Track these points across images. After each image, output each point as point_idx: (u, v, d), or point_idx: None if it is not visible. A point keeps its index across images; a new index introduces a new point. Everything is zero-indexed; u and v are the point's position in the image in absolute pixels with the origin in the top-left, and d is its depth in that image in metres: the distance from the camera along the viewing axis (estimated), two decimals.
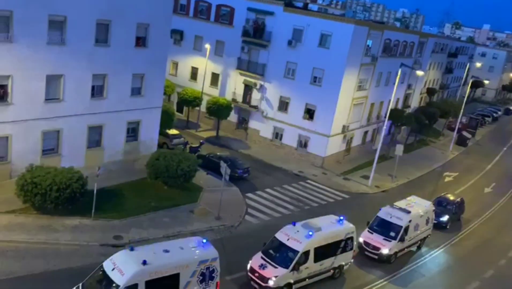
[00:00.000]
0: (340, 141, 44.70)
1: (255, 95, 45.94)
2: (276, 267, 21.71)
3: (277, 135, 45.33)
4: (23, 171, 24.52)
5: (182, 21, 48.63)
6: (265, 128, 45.86)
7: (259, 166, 39.96)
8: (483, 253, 31.53)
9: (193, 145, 39.22)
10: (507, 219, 38.87)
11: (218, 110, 44.68)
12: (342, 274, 24.78)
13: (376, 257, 26.83)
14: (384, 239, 27.06)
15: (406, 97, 59.81)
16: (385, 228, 27.56)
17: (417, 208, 29.18)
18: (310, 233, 22.60)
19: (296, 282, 22.14)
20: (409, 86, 58.62)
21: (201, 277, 18.93)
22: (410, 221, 27.66)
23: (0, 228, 22.76)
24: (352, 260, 25.20)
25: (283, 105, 44.49)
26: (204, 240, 19.93)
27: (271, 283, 21.27)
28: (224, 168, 28.27)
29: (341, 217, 25.12)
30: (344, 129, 44.14)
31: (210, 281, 19.28)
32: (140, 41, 31.20)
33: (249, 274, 22.13)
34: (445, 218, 33.76)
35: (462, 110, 60.90)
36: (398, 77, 39.97)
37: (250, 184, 35.43)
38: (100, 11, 27.98)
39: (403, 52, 51.45)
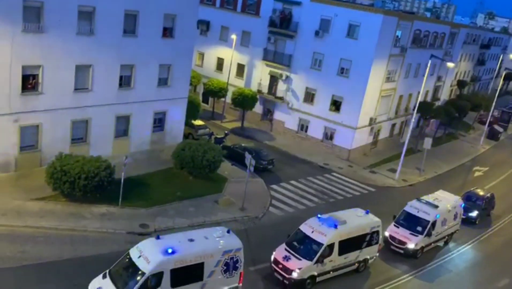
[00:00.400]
0: (367, 133, 44.10)
1: (281, 86, 45.68)
2: (300, 259, 21.65)
3: (303, 126, 45.04)
4: (53, 159, 25.08)
5: (208, 12, 48.65)
6: (291, 119, 45.62)
7: (284, 158, 39.83)
8: None
9: (218, 136, 39.36)
10: None
11: (244, 101, 44.65)
12: (367, 268, 24.54)
13: (401, 251, 26.47)
14: (410, 233, 26.64)
15: (436, 90, 58.47)
16: (411, 223, 27.13)
17: (445, 202, 28.59)
18: (335, 226, 22.42)
19: (320, 274, 22.05)
20: (439, 78, 57.26)
21: (225, 267, 19.03)
22: (437, 216, 27.13)
23: (31, 214, 23.39)
24: (377, 254, 24.92)
25: (309, 97, 44.12)
26: (229, 231, 20.02)
27: (294, 275, 21.24)
28: (248, 159, 28.28)
29: (367, 211, 24.84)
30: (371, 121, 43.50)
31: (234, 271, 19.36)
32: (167, 32, 31.34)
33: (273, 265, 22.15)
34: (474, 213, 33.03)
35: (494, 103, 59.19)
36: (427, 68, 39.16)
37: (275, 176, 35.37)
38: (128, 2, 28.22)
39: (433, 43, 50.21)
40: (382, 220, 24.95)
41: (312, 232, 22.44)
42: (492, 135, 60.02)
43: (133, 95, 30.42)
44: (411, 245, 26.24)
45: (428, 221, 26.78)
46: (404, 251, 26.40)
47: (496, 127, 61.92)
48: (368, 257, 24.28)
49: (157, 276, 17.23)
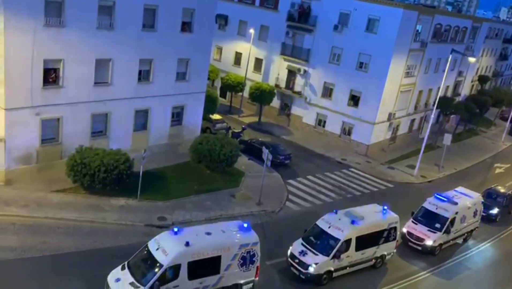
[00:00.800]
0: (386, 129, 43.66)
1: (299, 81, 45.51)
2: (316, 254, 21.65)
3: (320, 121, 44.82)
4: (73, 152, 25.50)
5: (227, 6, 48.63)
6: (308, 114, 45.44)
7: (301, 153, 39.74)
8: None
9: (236, 130, 39.46)
10: None
11: (261, 95, 44.62)
12: (384, 264, 24.40)
13: (419, 248, 26.24)
14: (428, 230, 26.38)
15: (456, 85, 57.49)
16: (430, 219, 26.85)
17: (464, 199, 28.21)
18: (352, 221, 22.33)
19: (336, 270, 22.01)
20: (459, 73, 56.27)
21: (241, 261, 19.14)
22: (456, 212, 26.80)
23: (52, 206, 23.86)
24: (395, 250, 24.74)
25: (327, 91, 43.86)
26: (245, 225, 20.09)
27: (311, 269, 21.25)
28: (266, 154, 28.29)
29: (385, 207, 24.67)
30: (390, 116, 43.05)
31: (250, 265, 19.47)
32: (186, 26, 31.43)
33: (289, 260, 22.19)
34: (494, 210, 32.52)
35: None
36: (448, 63, 38.52)
37: (292, 171, 35.32)
38: None
39: (454, 38, 49.33)
40: (400, 217, 24.74)
41: (329, 227, 22.39)
42: None
43: (151, 89, 30.64)
44: (429, 242, 25.99)
45: (447, 218, 26.47)
46: (422, 248, 26.16)
47: None
48: (386, 253, 24.13)
49: (175, 268, 17.45)
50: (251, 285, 19.93)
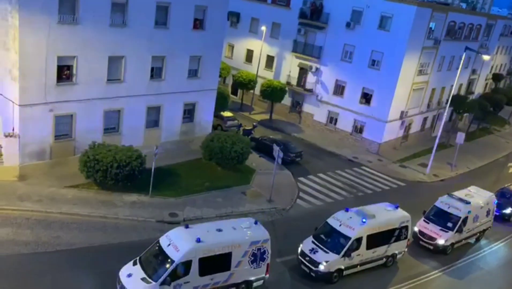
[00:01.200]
0: (398, 127, 43.37)
1: (310, 78, 45.38)
2: (327, 252, 21.63)
3: (332, 119, 44.67)
4: (86, 148, 25.76)
5: (239, 3, 48.56)
6: (319, 112, 45.31)
7: (312, 151, 39.66)
8: None
9: (247, 128, 39.51)
10: None
11: (272, 93, 44.59)
12: (395, 263, 24.29)
13: (431, 247, 26.08)
14: (440, 229, 26.19)
15: (470, 83, 56.86)
16: (442, 218, 26.67)
17: (477, 198, 27.94)
18: (364, 220, 22.27)
19: (347, 268, 21.97)
20: (473, 71, 55.63)
21: (252, 258, 19.21)
22: (469, 212, 26.55)
23: (65, 201, 24.14)
24: (406, 249, 24.61)
25: (339, 89, 43.68)
26: (256, 222, 20.15)
27: (321, 267, 21.24)
28: (276, 151, 28.29)
29: (396, 205, 24.55)
30: (402, 115, 42.75)
31: (261, 262, 19.53)
32: (198, 24, 31.50)
33: (300, 257, 22.20)
34: (508, 210, 32.18)
35: None
36: (462, 61, 38.15)
37: (303, 168, 35.27)
38: None
39: (468, 35, 48.76)
40: (411, 215, 24.59)
41: (340, 225, 22.35)
42: None
43: (164, 86, 30.79)
44: (441, 241, 25.82)
45: (459, 217, 26.26)
46: (434, 247, 26.00)
47: None
48: (397, 252, 24.01)
49: (186, 264, 17.57)
50: (261, 282, 20.01)
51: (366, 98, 42.07)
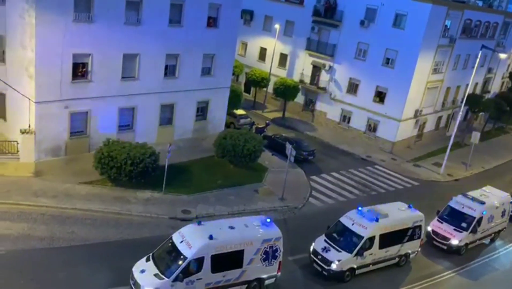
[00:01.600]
0: (412, 126, 43.02)
1: (324, 77, 45.22)
2: (339, 251, 21.58)
3: (345, 118, 44.47)
4: (101, 145, 26.03)
5: (252, 1, 48.51)
6: (333, 110, 45.13)
7: (325, 149, 39.55)
8: None
9: (259, 126, 39.53)
10: None
11: (285, 91, 44.54)
12: (408, 262, 24.15)
13: (445, 247, 25.86)
14: (454, 229, 25.95)
15: (486, 82, 56.08)
16: (456, 218, 26.42)
17: (492, 199, 27.60)
18: (377, 219, 22.15)
19: (359, 267, 21.90)
20: (489, 70, 54.84)
21: (264, 256, 19.24)
22: (484, 212, 26.24)
23: (80, 197, 24.44)
24: (419, 249, 24.45)
25: (353, 87, 43.46)
26: (268, 220, 20.19)
27: (333, 266, 21.20)
28: (289, 149, 28.28)
29: (410, 205, 24.38)
30: (417, 113, 42.40)
31: (273, 260, 19.55)
32: (212, 22, 31.58)
33: (312, 256, 22.18)
34: None
35: None
36: (478, 60, 37.61)
37: (315, 167, 35.20)
38: None
39: (484, 34, 48.10)
40: (425, 215, 24.42)
41: (353, 224, 22.27)
42: None
43: (177, 84, 30.93)
44: (455, 241, 25.58)
45: (474, 217, 25.99)
46: (448, 247, 25.77)
47: None
48: (410, 251, 23.87)
49: (198, 261, 17.68)
50: (273, 280, 20.03)
51: (380, 96, 41.81)
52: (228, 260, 18.40)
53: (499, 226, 28.12)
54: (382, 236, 22.20)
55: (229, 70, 34.42)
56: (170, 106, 31.26)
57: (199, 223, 19.04)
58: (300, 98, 46.89)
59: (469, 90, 41.84)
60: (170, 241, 18.67)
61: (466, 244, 26.07)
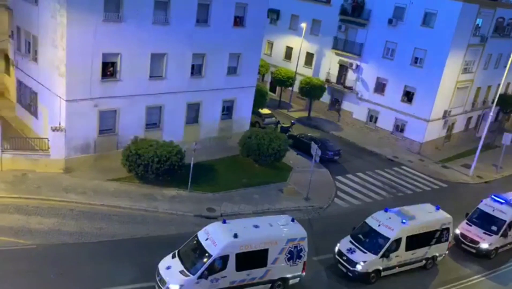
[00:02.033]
0: (440, 126, 42.20)
1: (350, 76, 44.81)
2: (365, 253, 21.36)
3: (372, 117, 43.97)
4: (129, 143, 26.48)
5: (279, 0, 48.36)
6: (359, 110, 44.68)
7: (351, 149, 39.20)
8: None
9: (285, 125, 39.46)
10: None
11: (311, 90, 44.31)
12: (435, 265, 23.72)
13: (473, 251, 25.27)
14: (484, 232, 25.34)
15: None
16: (486, 221, 25.80)
17: None
18: (403, 220, 21.84)
19: (385, 269, 21.63)
20: None
21: (289, 255, 19.21)
22: None
23: (108, 194, 24.91)
24: (447, 252, 23.99)
25: (380, 87, 42.93)
26: (293, 219, 20.16)
27: (359, 267, 21.00)
28: (314, 149, 28.13)
29: (438, 207, 23.93)
30: (446, 114, 41.56)
31: (297, 260, 19.49)
32: (238, 21, 31.68)
33: (337, 256, 22.02)
34: None
35: None
36: (510, 59, 36.55)
37: (341, 167, 34.92)
38: None
39: None
40: (453, 217, 23.92)
41: (379, 225, 22.01)
42: None
43: (203, 83, 31.18)
44: (484, 245, 24.98)
45: (504, 221, 25.32)
46: (477, 250, 25.19)
47: None
48: (437, 254, 23.45)
49: (223, 259, 17.78)
50: (298, 279, 19.98)
51: (408, 96, 41.18)
52: (252, 259, 18.44)
53: None
54: (409, 238, 21.87)
55: (254, 69, 34.48)
56: (196, 105, 31.53)
57: (224, 222, 19.15)
58: (326, 98, 46.58)
59: (500, 90, 40.80)
60: (196, 238, 18.83)
61: (496, 248, 25.42)
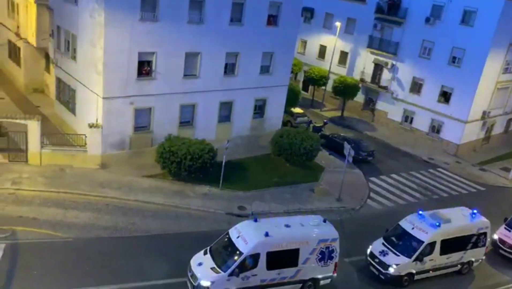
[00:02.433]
0: (479, 128, 40.97)
1: (386, 75, 44.08)
2: (398, 255, 20.97)
3: (407, 118, 43.13)
4: (162, 140, 26.89)
5: None
6: (394, 110, 43.88)
7: (385, 150, 38.55)
8: None
9: (317, 125, 39.18)
10: None
11: (345, 89, 43.83)
12: (471, 271, 23.04)
13: None
14: None
15: None
16: None
17: None
18: (438, 224, 21.31)
19: (418, 272, 21.18)
20: None
21: (320, 256, 19.07)
22: None
23: (141, 190, 25.39)
24: (483, 257, 23.26)
25: (416, 87, 42.05)
26: (325, 220, 19.99)
27: (391, 270, 20.64)
28: (347, 149, 27.79)
29: (474, 210, 23.22)
30: (484, 115, 40.32)
31: (329, 261, 19.33)
32: (272, 20, 31.64)
33: (369, 258, 21.71)
34: None
35: None
36: None
37: (374, 168, 34.39)
38: None
39: None
40: (491, 222, 23.18)
41: (413, 228, 21.55)
42: None
43: (236, 82, 31.32)
44: None
45: None
46: None
47: None
48: (473, 259, 22.78)
49: (254, 257, 17.82)
50: (329, 280, 19.81)
51: (445, 96, 40.17)
52: (283, 258, 18.40)
53: None
54: (443, 242, 21.34)
55: (287, 68, 34.37)
56: (228, 103, 31.71)
57: (255, 220, 19.17)
58: (360, 97, 45.99)
59: None
60: (227, 236, 18.95)
61: None
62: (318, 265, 19.17)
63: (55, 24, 30.39)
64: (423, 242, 20.92)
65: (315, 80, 46.36)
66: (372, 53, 44.69)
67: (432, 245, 21.10)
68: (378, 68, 44.69)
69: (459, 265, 22.48)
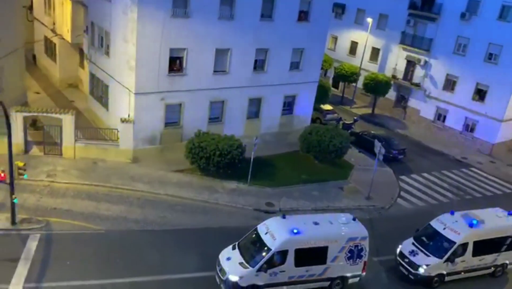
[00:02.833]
0: None
1: (418, 72, 43.17)
2: (428, 256, 20.60)
3: (440, 116, 42.15)
4: (192, 136, 27.17)
5: None
6: (427, 107, 42.96)
7: (416, 148, 37.82)
8: None
9: (347, 122, 38.79)
10: None
11: (376, 86, 43.18)
12: (504, 274, 22.40)
13: None
14: None
15: None
16: None
17: None
18: (471, 224, 20.79)
19: (449, 274, 20.76)
20: None
21: (349, 254, 18.93)
22: None
23: (171, 184, 25.75)
24: None
25: (450, 84, 41.03)
26: (354, 218, 19.80)
27: (421, 271, 20.30)
28: (378, 147, 27.40)
29: (510, 212, 22.54)
30: None
31: (358, 259, 19.16)
32: (303, 16, 31.42)
33: (398, 258, 21.41)
34: None
35: None
36: None
37: (405, 166, 33.80)
38: None
39: None
40: None
41: (444, 228, 21.11)
42: None
43: (265, 78, 31.28)
44: None
45: None
46: None
47: None
48: (508, 262, 22.15)
49: (282, 254, 17.84)
50: (357, 279, 19.66)
51: (480, 94, 39.04)
52: (311, 256, 18.35)
53: None
54: (476, 243, 20.83)
55: (318, 64, 34.10)
56: (258, 100, 31.72)
57: (284, 217, 19.16)
58: (391, 94, 45.20)
59: None
60: (255, 232, 19.01)
61: None
62: (347, 263, 19.03)
63: (89, 20, 31.08)
64: (455, 242, 20.47)
65: (346, 76, 45.84)
66: (404, 49, 43.86)
67: (464, 246, 20.63)
68: (410, 64, 43.83)
69: (492, 268, 21.91)
